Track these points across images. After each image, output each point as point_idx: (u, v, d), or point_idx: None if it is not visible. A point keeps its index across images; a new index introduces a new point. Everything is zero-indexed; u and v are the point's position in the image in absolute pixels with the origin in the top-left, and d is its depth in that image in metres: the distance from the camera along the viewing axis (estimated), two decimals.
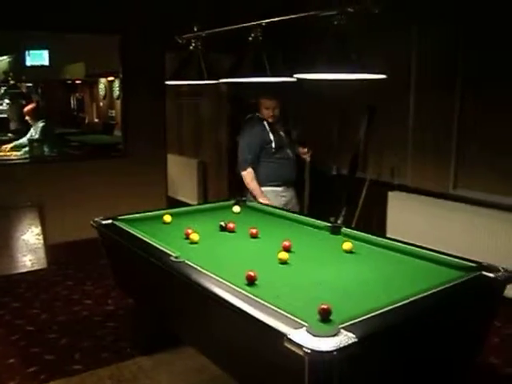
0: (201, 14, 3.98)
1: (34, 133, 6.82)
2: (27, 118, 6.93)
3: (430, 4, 5.11)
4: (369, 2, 2.60)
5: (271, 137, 4.81)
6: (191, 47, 4.01)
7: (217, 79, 3.99)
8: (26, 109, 7.00)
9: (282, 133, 4.92)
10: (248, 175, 4.81)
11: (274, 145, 4.81)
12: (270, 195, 4.81)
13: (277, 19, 3.26)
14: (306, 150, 5.03)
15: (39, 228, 5.78)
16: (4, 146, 6.56)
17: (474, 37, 4.90)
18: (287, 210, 4.35)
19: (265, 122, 4.84)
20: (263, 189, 4.80)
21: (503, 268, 2.82)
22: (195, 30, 3.96)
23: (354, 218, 5.34)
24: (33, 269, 5.60)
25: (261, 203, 4.57)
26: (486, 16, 4.76)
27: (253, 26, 3.40)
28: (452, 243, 4.88)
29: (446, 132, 5.20)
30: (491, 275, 2.74)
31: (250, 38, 3.43)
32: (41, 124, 6.85)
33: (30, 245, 5.68)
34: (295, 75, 2.99)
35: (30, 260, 5.65)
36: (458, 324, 2.63)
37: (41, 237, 5.76)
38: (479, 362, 3.32)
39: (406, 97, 5.52)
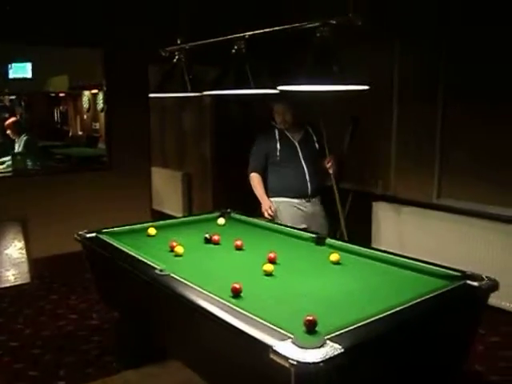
0: (184, 27, 3.97)
1: (17, 147, 6.79)
2: (8, 132, 6.89)
3: (412, 17, 5.17)
4: (351, 14, 2.62)
5: (278, 145, 4.77)
6: (175, 60, 4.02)
7: (200, 92, 4.00)
8: (7, 123, 6.96)
9: (296, 141, 4.82)
10: (252, 180, 4.90)
11: (278, 153, 4.76)
12: (285, 206, 4.75)
13: (260, 31, 3.28)
14: (327, 160, 4.81)
15: (22, 242, 5.72)
16: None
17: (455, 49, 4.96)
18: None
19: (276, 130, 4.80)
20: (278, 199, 4.78)
21: (487, 277, 2.84)
22: (179, 42, 3.97)
23: (339, 229, 5.34)
24: (16, 283, 5.54)
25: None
26: (466, 29, 4.82)
27: (236, 39, 3.41)
28: (436, 252, 4.91)
29: (429, 142, 5.25)
30: (475, 284, 2.76)
31: (234, 50, 3.44)
32: (24, 138, 6.82)
33: (13, 259, 5.63)
34: (278, 87, 3.00)
35: (14, 275, 5.59)
36: (443, 333, 2.64)
37: (24, 251, 5.71)
38: (464, 369, 3.34)
39: (389, 108, 5.57)
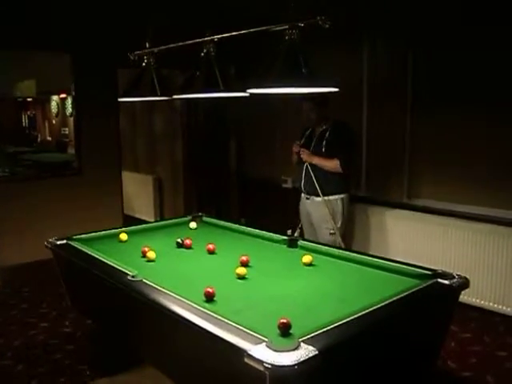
0: (152, 31, 3.95)
1: None
2: None
3: (380, 21, 5.22)
4: (319, 17, 2.64)
5: (302, 139, 5.02)
6: (144, 63, 3.99)
7: (170, 95, 3.98)
8: None
9: (315, 138, 4.93)
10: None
11: (302, 141, 4.99)
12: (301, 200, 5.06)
13: (229, 34, 3.28)
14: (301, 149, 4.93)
15: None
16: None
17: (422, 51, 5.02)
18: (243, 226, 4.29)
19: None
20: None
21: (457, 274, 2.88)
22: (147, 46, 3.95)
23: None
24: None
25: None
26: (434, 33, 4.88)
27: (205, 42, 3.41)
28: (407, 251, 4.97)
29: (399, 143, 5.30)
30: (446, 282, 2.80)
31: (203, 54, 3.44)
32: None
33: None
34: (248, 90, 3.00)
35: None
36: (415, 331, 2.67)
37: None
38: (437, 366, 3.38)
39: (359, 110, 5.61)
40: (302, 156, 4.86)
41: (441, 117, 4.94)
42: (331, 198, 4.82)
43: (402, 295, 2.63)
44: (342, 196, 4.85)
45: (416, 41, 5.03)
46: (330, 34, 2.88)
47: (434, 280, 2.84)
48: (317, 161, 4.80)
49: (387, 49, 5.29)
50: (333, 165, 4.75)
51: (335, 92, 2.86)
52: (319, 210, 4.87)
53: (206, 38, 3.39)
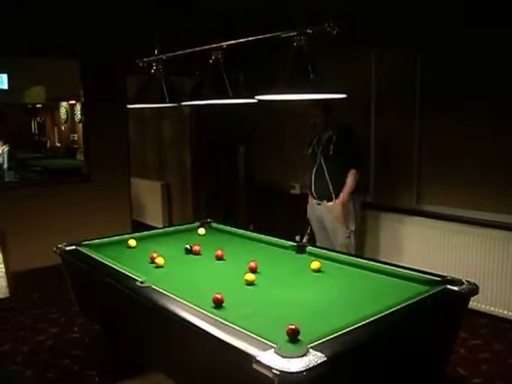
0: (162, 37, 3.97)
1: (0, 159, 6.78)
2: None
3: (388, 25, 5.22)
4: (326, 24, 2.64)
5: (313, 141, 5.01)
6: (152, 70, 4.01)
7: (179, 102, 3.99)
8: None
9: (322, 142, 4.94)
10: None
11: (309, 150, 5.03)
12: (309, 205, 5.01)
13: (237, 41, 3.29)
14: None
15: (0, 256, 5.64)
16: None
17: (430, 59, 5.01)
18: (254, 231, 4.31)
19: None
20: None
21: (467, 281, 2.87)
22: (156, 53, 3.97)
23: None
24: None
25: None
26: (441, 36, 4.88)
27: (214, 48, 3.42)
28: (416, 258, 4.95)
29: (408, 149, 5.28)
30: (455, 288, 2.79)
31: (211, 60, 3.45)
32: (6, 149, 6.80)
33: None
34: (256, 96, 3.01)
35: None
36: (424, 337, 2.66)
37: (2, 265, 5.62)
38: (447, 373, 3.36)
39: (368, 115, 5.60)
40: (341, 217, 4.79)
41: (450, 121, 4.92)
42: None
43: (411, 302, 2.63)
44: (353, 198, 4.84)
45: (424, 44, 5.02)
46: (338, 39, 2.88)
47: (443, 286, 2.83)
48: (346, 192, 4.79)
49: (395, 53, 5.28)
50: (353, 178, 4.79)
51: (343, 98, 2.86)
52: (333, 213, 4.86)
53: (214, 45, 3.40)
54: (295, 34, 2.72)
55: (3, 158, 6.81)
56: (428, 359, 2.76)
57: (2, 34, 5.50)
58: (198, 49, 3.54)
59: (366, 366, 2.28)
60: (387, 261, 3.52)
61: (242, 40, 3.26)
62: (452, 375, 3.70)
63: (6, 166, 6.78)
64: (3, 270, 5.60)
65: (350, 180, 4.77)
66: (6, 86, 7.47)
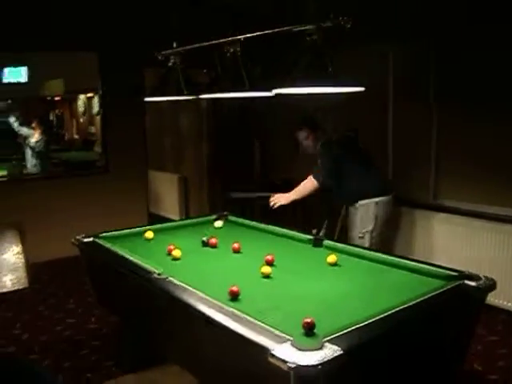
0: (179, 30, 3.97)
1: (34, 143, 6.94)
2: (33, 125, 7.09)
3: (402, 23, 5.18)
4: (341, 18, 2.63)
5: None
6: (170, 63, 4.02)
7: (196, 95, 4.00)
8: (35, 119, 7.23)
9: None
10: None
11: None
12: None
13: (254, 34, 3.29)
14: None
15: (19, 247, 5.72)
16: None
17: (444, 52, 4.98)
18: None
19: None
20: None
21: (484, 276, 2.85)
22: (174, 46, 3.97)
23: (336, 231, 5.35)
24: (13, 288, 5.52)
25: None
26: (455, 31, 4.83)
27: (231, 42, 3.42)
28: (433, 253, 4.93)
29: (425, 144, 5.26)
30: (473, 284, 2.77)
31: (229, 54, 3.45)
32: (44, 138, 7.00)
33: (10, 264, 5.62)
34: (274, 90, 3.00)
35: (11, 280, 5.57)
36: (441, 332, 2.65)
37: (21, 256, 5.70)
38: (463, 369, 3.35)
39: (385, 110, 5.57)
40: (278, 203, 4.71)
41: (467, 116, 4.88)
42: (363, 202, 4.75)
43: (428, 296, 2.61)
44: (376, 200, 4.73)
45: (439, 40, 4.98)
46: (355, 34, 2.87)
47: (461, 281, 2.80)
48: (295, 195, 4.75)
49: (410, 49, 5.24)
50: (308, 184, 4.74)
51: (360, 92, 2.85)
52: (350, 214, 4.87)
53: (232, 38, 3.40)
54: (311, 28, 2.71)
55: (40, 143, 6.96)
56: (444, 355, 2.75)
57: (21, 28, 5.55)
58: (215, 42, 3.54)
59: (382, 360, 2.28)
60: (403, 255, 3.51)
61: (259, 33, 3.25)
62: (469, 371, 3.68)
63: (40, 148, 6.94)
64: (22, 260, 5.67)
65: (304, 184, 4.77)
66: (25, 79, 7.55)
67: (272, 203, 4.68)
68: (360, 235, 4.75)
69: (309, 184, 4.74)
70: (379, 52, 5.48)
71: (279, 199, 4.68)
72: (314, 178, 4.70)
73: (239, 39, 3.38)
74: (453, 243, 4.89)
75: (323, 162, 4.77)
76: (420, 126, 5.32)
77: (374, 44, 5.33)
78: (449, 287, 2.76)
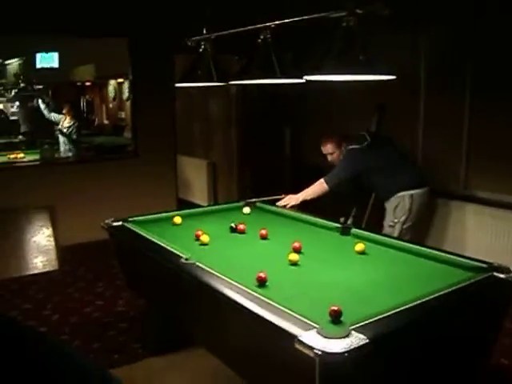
0: (210, 16, 3.97)
1: (66, 129, 7.09)
2: (64, 111, 7.25)
3: (438, 8, 5.10)
4: (378, 4, 2.60)
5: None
6: (201, 49, 4.02)
7: (226, 81, 4.00)
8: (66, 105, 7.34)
9: None
10: None
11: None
12: None
13: (286, 21, 3.27)
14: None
15: (50, 229, 5.81)
16: None
17: (482, 40, 4.89)
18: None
19: None
20: None
21: None
22: (204, 32, 3.98)
23: (364, 219, 5.33)
24: (44, 270, 5.62)
25: None
26: (493, 19, 4.74)
27: (262, 28, 3.41)
28: (462, 244, 4.88)
29: (457, 133, 5.19)
30: (502, 276, 2.74)
31: (260, 40, 3.44)
32: (76, 123, 7.15)
33: (41, 246, 5.72)
34: (304, 76, 2.99)
35: (42, 261, 5.68)
36: (467, 325, 2.63)
37: (52, 238, 5.80)
38: (490, 363, 3.31)
39: (417, 99, 5.51)
40: (290, 204, 4.65)
41: (502, 106, 4.80)
42: (399, 194, 4.72)
43: (455, 287, 2.58)
44: (411, 192, 4.70)
45: (475, 28, 4.89)
46: (387, 21, 2.84)
47: (490, 273, 2.77)
48: (304, 196, 4.72)
49: (445, 37, 5.16)
50: (318, 187, 4.73)
51: (393, 79, 2.82)
52: (384, 203, 4.87)
53: (263, 24, 3.39)
54: (345, 14, 2.69)
55: (70, 131, 7.08)
56: (470, 348, 2.73)
57: (53, 13, 5.59)
58: (246, 28, 3.53)
59: (407, 351, 2.27)
60: (432, 245, 3.48)
61: (290, 20, 3.24)
62: (495, 365, 3.65)
63: (74, 137, 7.06)
64: (53, 243, 5.77)
65: (313, 186, 4.76)
66: (56, 65, 7.65)
67: (284, 204, 4.67)
68: (391, 224, 4.73)
69: (319, 187, 4.73)
70: (412, 39, 5.41)
71: (290, 200, 4.68)
72: (325, 181, 4.69)
73: (270, 25, 3.37)
74: (482, 234, 4.83)
75: (340, 169, 4.76)
76: (452, 116, 5.24)
77: (407, 30, 5.26)
78: (477, 279, 2.73)
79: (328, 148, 4.85)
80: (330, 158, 4.89)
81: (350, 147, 4.75)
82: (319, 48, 2.79)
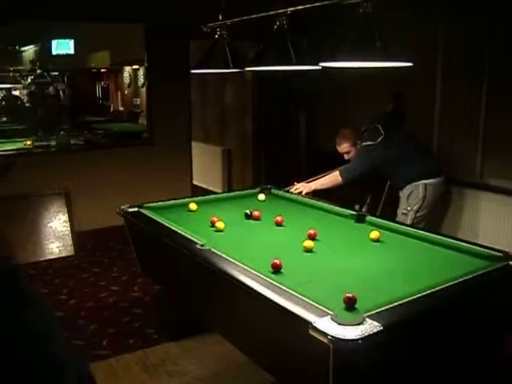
0: (226, 2, 3.96)
1: None
2: None
3: None
4: None
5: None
6: (216, 36, 4.01)
7: (242, 68, 3.99)
8: None
9: None
10: None
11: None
12: None
13: (302, 7, 3.25)
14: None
15: (66, 215, 5.86)
16: None
17: (501, 29, 4.82)
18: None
19: None
20: None
21: None
22: (220, 18, 3.96)
23: (379, 207, 5.31)
24: (60, 256, 5.68)
25: None
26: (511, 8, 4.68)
27: (278, 14, 3.39)
28: (478, 232, 4.85)
29: (473, 121, 5.14)
30: None
31: (276, 26, 3.42)
32: None
33: (57, 232, 5.77)
34: (320, 63, 2.98)
35: (58, 247, 5.73)
36: (483, 314, 2.62)
37: (68, 224, 5.84)
38: (505, 354, 3.30)
39: (433, 87, 5.45)
40: (302, 191, 4.64)
41: None
42: (414, 184, 4.71)
43: (471, 276, 2.58)
44: (425, 182, 4.68)
45: (494, 17, 4.82)
46: (404, 8, 2.81)
47: (506, 262, 2.76)
48: (316, 185, 4.72)
49: (464, 25, 5.09)
50: (333, 178, 4.74)
51: (409, 66, 2.80)
52: (399, 191, 4.86)
53: (279, 11, 3.37)
54: (360, 0, 2.66)
55: None
56: (485, 338, 2.73)
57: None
58: (262, 14, 3.51)
59: (422, 339, 2.28)
60: (447, 233, 3.47)
61: (307, 6, 3.21)
62: (509, 355, 3.63)
63: None
64: (69, 229, 5.82)
65: (328, 177, 4.78)
66: (72, 51, 7.66)
67: (295, 191, 4.66)
68: (404, 211, 4.71)
69: (333, 178, 4.74)
70: (429, 27, 5.35)
71: (301, 188, 4.67)
72: (340, 175, 4.69)
73: (285, 12, 3.35)
74: (498, 222, 4.80)
75: (356, 165, 4.75)
76: (468, 104, 5.19)
77: (425, 19, 5.21)
78: (493, 268, 2.72)
79: (344, 147, 4.86)
80: (346, 156, 4.90)
81: (365, 144, 4.74)
82: (335, 34, 2.77)
